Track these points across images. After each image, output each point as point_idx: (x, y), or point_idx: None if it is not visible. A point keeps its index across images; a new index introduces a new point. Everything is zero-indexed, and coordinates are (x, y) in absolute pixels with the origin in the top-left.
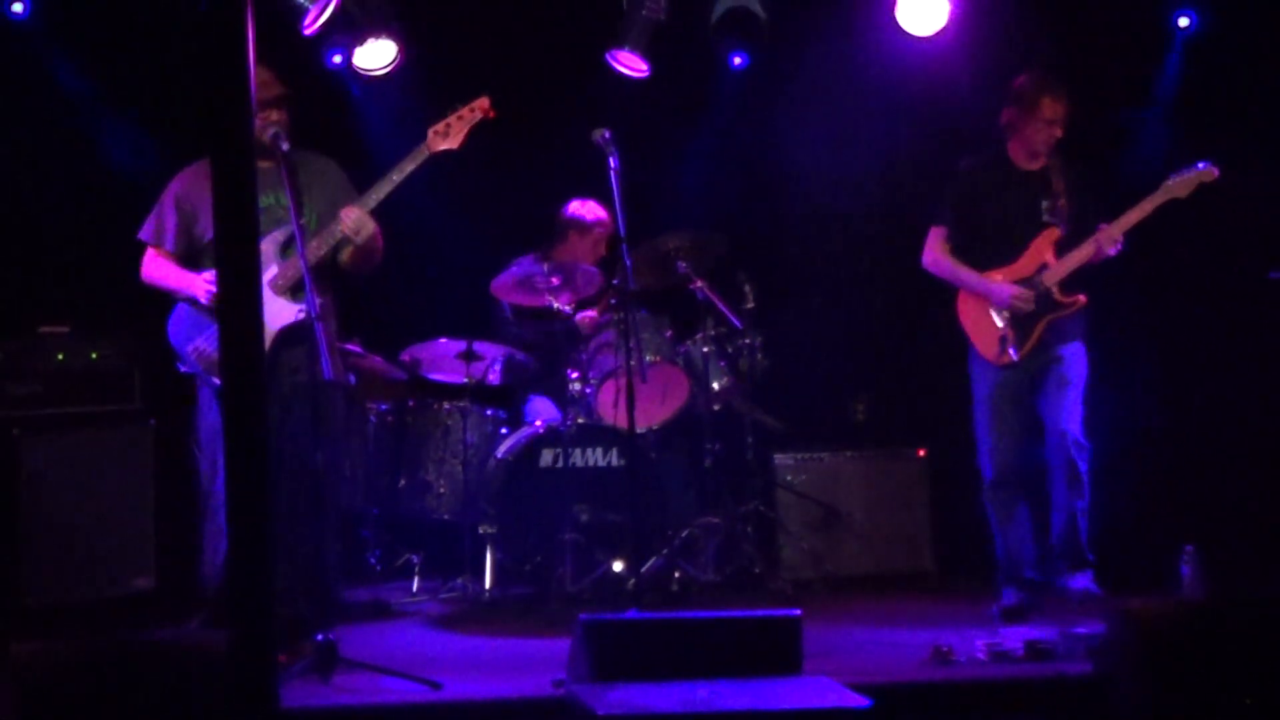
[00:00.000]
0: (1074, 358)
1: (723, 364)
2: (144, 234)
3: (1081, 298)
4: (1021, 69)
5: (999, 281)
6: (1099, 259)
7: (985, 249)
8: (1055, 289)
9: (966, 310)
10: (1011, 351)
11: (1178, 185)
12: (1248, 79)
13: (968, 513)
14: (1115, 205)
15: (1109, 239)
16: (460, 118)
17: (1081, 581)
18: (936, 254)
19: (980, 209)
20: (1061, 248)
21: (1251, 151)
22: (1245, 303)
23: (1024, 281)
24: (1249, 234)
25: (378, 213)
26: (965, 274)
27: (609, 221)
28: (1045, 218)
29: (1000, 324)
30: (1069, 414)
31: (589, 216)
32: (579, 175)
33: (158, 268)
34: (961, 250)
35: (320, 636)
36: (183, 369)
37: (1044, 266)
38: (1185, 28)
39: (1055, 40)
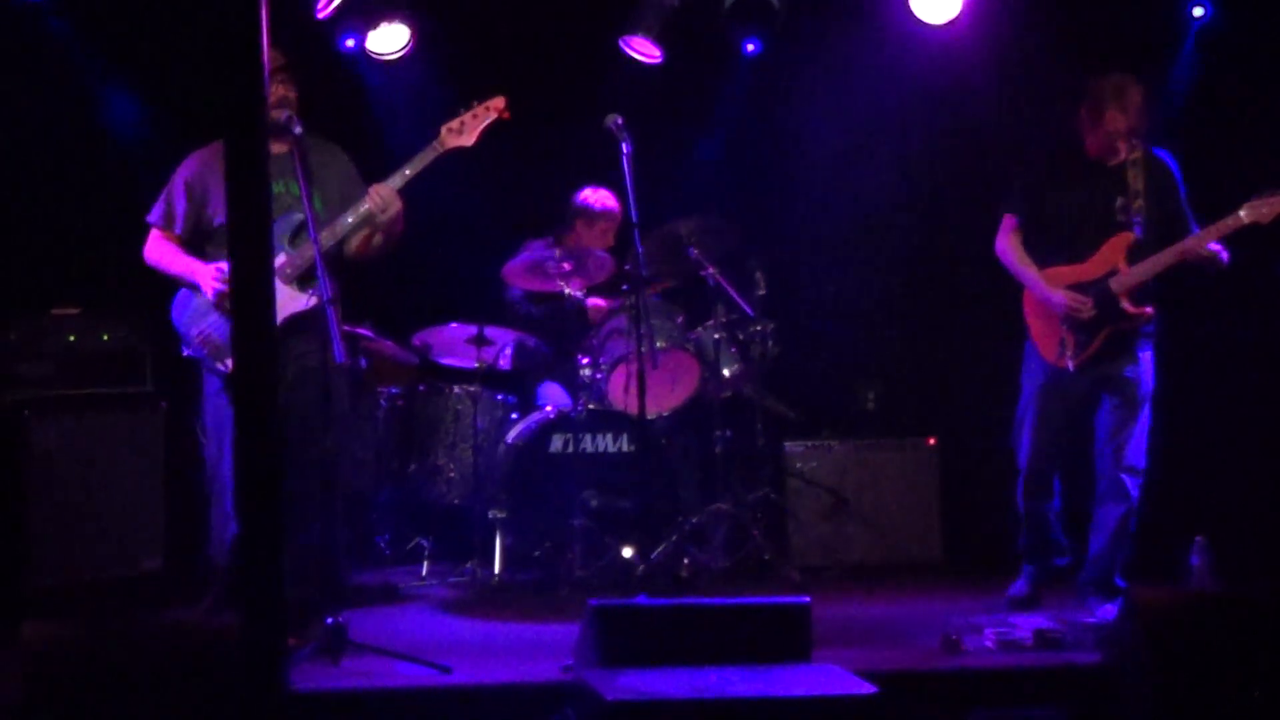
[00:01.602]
0: (1143, 374)
1: (734, 351)
2: (152, 217)
3: (1149, 310)
4: (1031, 57)
5: (1055, 290)
6: (1207, 270)
7: (1052, 243)
8: (1125, 298)
9: (1032, 303)
10: (1069, 360)
11: (1257, 209)
12: (1262, 69)
13: (977, 502)
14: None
15: (1193, 254)
16: (475, 115)
17: (1108, 612)
18: (1006, 245)
19: (1051, 200)
20: (1134, 254)
21: (1264, 142)
22: (1255, 295)
23: (1090, 285)
24: (1259, 227)
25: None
26: (1028, 274)
27: (618, 214)
28: (1119, 218)
29: (1061, 328)
30: (1128, 435)
31: (597, 206)
32: (591, 161)
33: (163, 251)
34: (1030, 241)
35: (330, 620)
36: (187, 353)
37: (1114, 272)
38: (1200, 17)
39: (1068, 29)
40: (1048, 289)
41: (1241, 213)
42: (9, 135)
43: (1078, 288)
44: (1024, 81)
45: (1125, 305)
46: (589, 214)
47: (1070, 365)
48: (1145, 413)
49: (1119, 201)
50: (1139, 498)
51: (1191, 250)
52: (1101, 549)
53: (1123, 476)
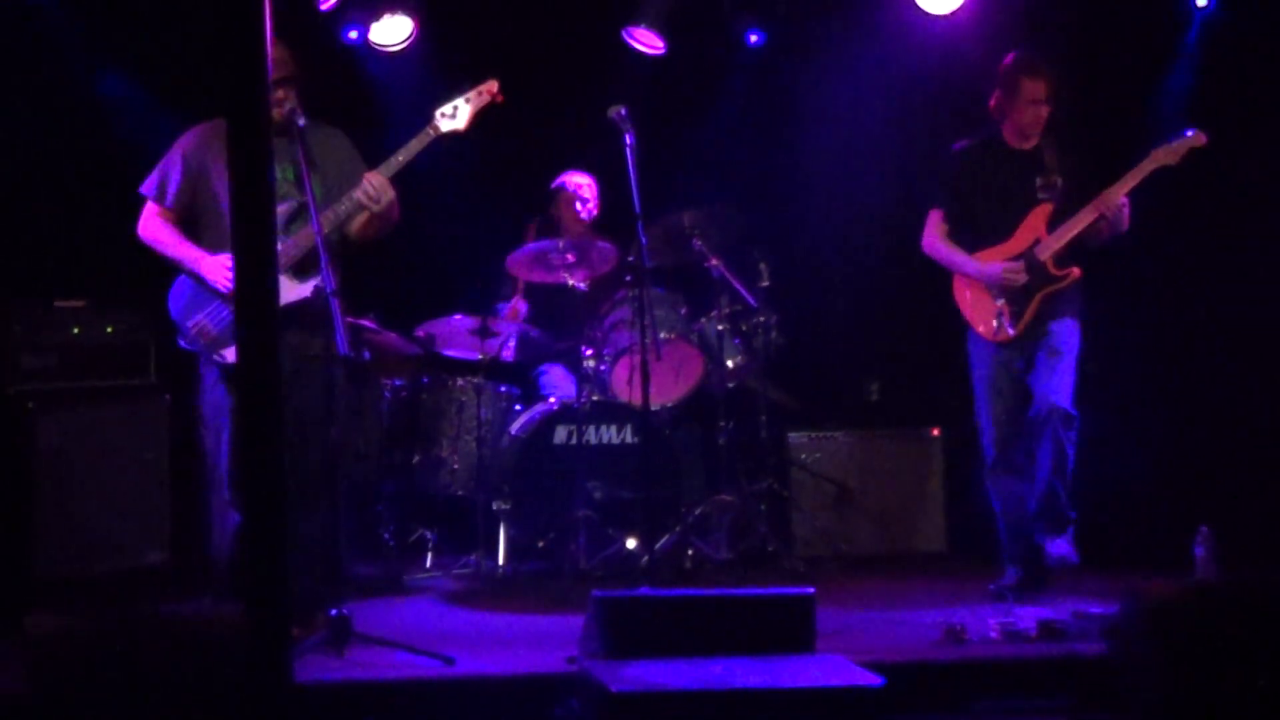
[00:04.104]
0: (1065, 331)
1: (737, 342)
2: (146, 188)
3: (1076, 270)
4: (1034, 47)
5: (988, 263)
6: (1105, 232)
7: (980, 229)
8: (1049, 262)
9: (962, 291)
10: (1009, 327)
11: (1166, 153)
12: (1266, 59)
13: (981, 492)
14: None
15: (1108, 206)
16: (468, 100)
17: (1060, 547)
18: (934, 238)
19: (974, 189)
20: (1054, 222)
21: (1268, 132)
22: (1262, 281)
23: (1018, 256)
24: (1263, 211)
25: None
26: (958, 258)
27: (577, 180)
28: (1040, 194)
29: (996, 301)
30: (1058, 384)
31: (557, 180)
32: (594, 152)
33: (160, 231)
34: (957, 232)
35: (334, 611)
36: (183, 344)
37: (1037, 241)
38: (1203, 7)
39: (1072, 19)
40: (980, 264)
41: (1151, 159)
42: (13, 127)
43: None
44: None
45: (1051, 269)
46: (557, 194)
47: (1011, 331)
48: (1071, 363)
49: (1038, 180)
50: (1075, 436)
51: (1108, 201)
52: (1044, 484)
53: (1056, 420)
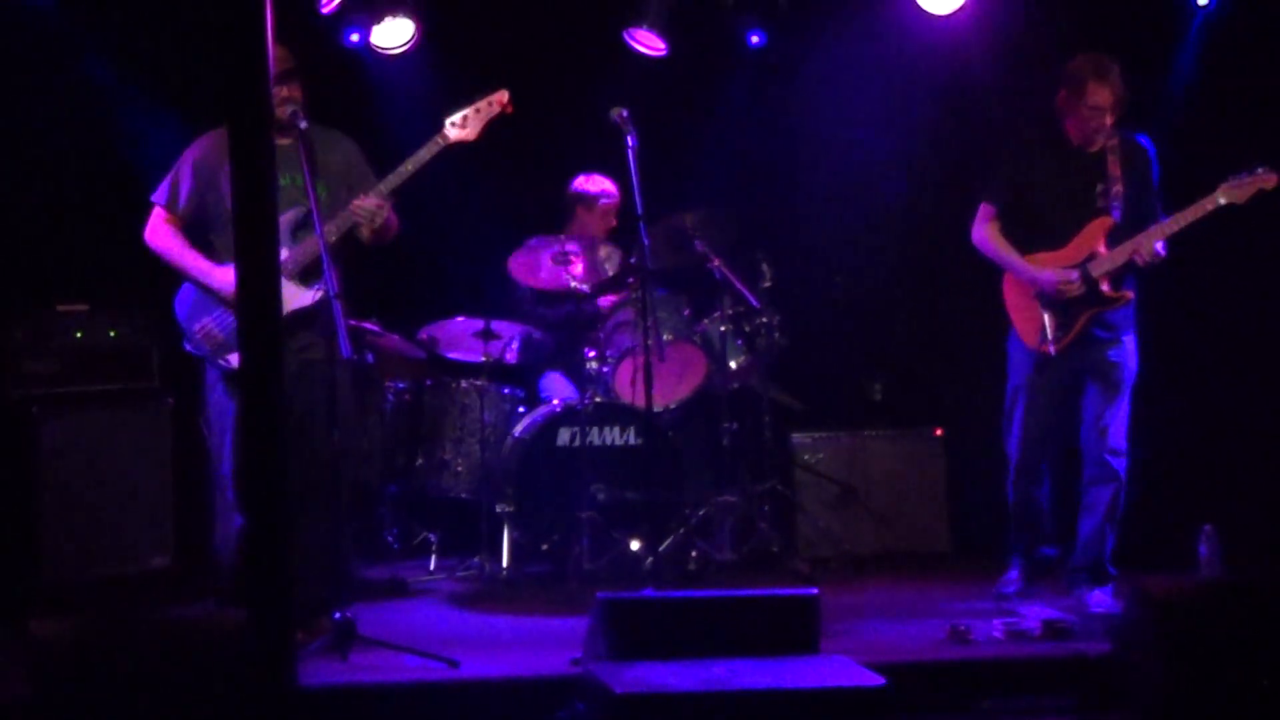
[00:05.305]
0: (1125, 360)
1: (740, 343)
2: (157, 196)
3: (1129, 294)
4: (1035, 47)
5: (1042, 270)
6: (1142, 263)
7: (1034, 230)
8: (1104, 281)
9: (1011, 292)
10: (1050, 345)
11: (1233, 190)
12: (1268, 59)
13: (985, 493)
14: (1170, 198)
15: (1147, 248)
16: (478, 110)
17: (1101, 601)
18: (985, 232)
19: (1032, 188)
20: (1114, 238)
21: (1268, 131)
22: (1263, 278)
23: (1071, 269)
24: (1264, 210)
25: (394, 193)
26: (1011, 258)
27: (615, 192)
28: (1099, 203)
29: (1042, 314)
30: (1112, 418)
31: (592, 189)
32: (597, 153)
33: (169, 239)
34: (1009, 229)
35: (338, 614)
36: (189, 348)
37: (1093, 256)
38: (1204, 6)
39: (1073, 18)
40: (1035, 271)
41: (1219, 195)
42: (15, 131)
43: None
44: (1028, 71)
45: (1104, 288)
46: (585, 199)
47: (1052, 349)
48: (1127, 396)
49: (1099, 187)
50: (1126, 479)
51: (1169, 231)
52: (1092, 531)
53: (1109, 458)
